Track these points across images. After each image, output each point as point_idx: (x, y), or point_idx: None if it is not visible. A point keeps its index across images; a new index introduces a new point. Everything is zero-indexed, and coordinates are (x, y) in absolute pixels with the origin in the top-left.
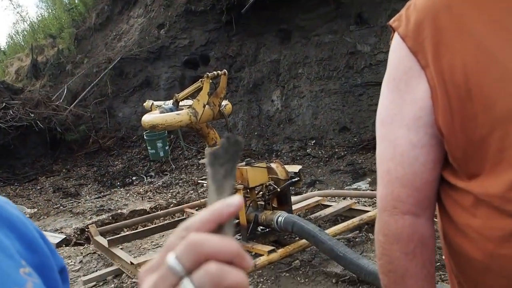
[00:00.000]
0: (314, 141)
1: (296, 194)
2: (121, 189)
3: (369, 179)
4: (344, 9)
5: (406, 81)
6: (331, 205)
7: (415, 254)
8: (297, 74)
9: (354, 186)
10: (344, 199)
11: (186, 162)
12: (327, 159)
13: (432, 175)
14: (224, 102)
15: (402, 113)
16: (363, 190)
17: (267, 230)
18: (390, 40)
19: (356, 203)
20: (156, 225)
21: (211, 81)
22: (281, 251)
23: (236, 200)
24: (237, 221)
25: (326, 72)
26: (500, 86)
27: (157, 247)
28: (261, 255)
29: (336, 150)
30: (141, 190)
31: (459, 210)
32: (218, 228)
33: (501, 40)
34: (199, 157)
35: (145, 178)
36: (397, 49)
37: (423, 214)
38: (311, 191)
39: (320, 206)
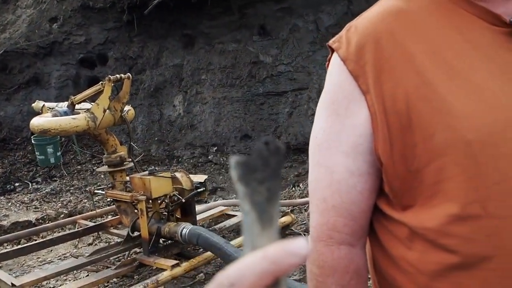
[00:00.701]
0: (216, 148)
1: (197, 201)
2: (1, 197)
3: None
4: (248, 19)
5: (346, 105)
6: (235, 215)
7: (350, 287)
8: (200, 80)
9: None
10: None
11: (79, 167)
12: (228, 166)
13: (368, 204)
14: (127, 108)
15: (341, 138)
16: None
17: (170, 242)
18: (327, 61)
19: None
20: (44, 239)
21: (113, 84)
22: (185, 265)
23: (302, 245)
24: (138, 233)
25: (229, 79)
26: (439, 118)
27: (44, 263)
28: (164, 270)
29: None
30: (25, 198)
31: (393, 241)
32: (274, 283)
33: (441, 72)
34: (93, 161)
35: (30, 184)
36: (337, 72)
37: (358, 244)
38: (213, 199)
39: (224, 216)
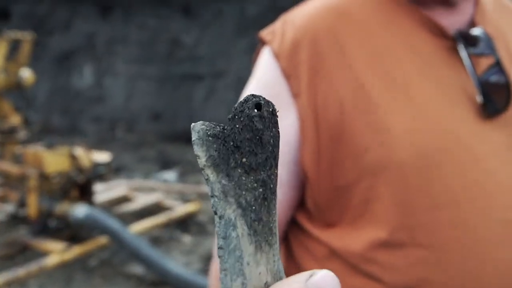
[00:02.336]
0: (124, 125)
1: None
2: None
3: (177, 170)
4: None
5: (278, 104)
6: (138, 199)
7: None
8: (114, 52)
9: (162, 175)
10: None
11: None
12: (136, 145)
13: (286, 216)
14: (26, 72)
15: None
16: (171, 181)
17: (62, 224)
18: (256, 52)
19: (164, 198)
20: None
21: (10, 43)
22: (76, 249)
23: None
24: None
25: (146, 55)
26: (373, 134)
27: None
28: (53, 253)
29: (147, 136)
30: None
31: (308, 258)
32: None
33: (380, 83)
34: None
35: None
36: (267, 68)
37: None
38: (116, 180)
39: (126, 198)
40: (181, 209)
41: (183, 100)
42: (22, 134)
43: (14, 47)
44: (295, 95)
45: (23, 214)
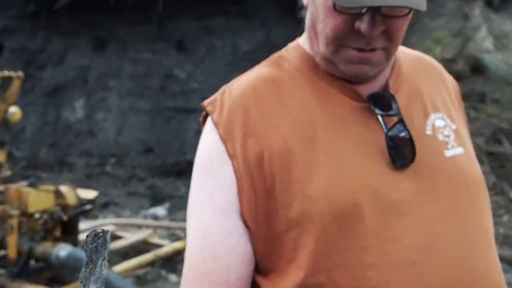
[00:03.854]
0: (115, 159)
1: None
2: None
3: (168, 205)
4: (167, 32)
5: (219, 165)
6: (124, 236)
7: None
8: (107, 86)
9: (151, 211)
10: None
11: None
12: (126, 179)
13: (247, 270)
14: (12, 109)
15: (214, 197)
16: (161, 217)
17: (43, 265)
18: (201, 121)
19: (152, 235)
20: None
21: (0, 81)
22: None
23: None
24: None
25: (139, 89)
26: (297, 188)
27: None
28: None
29: (137, 171)
30: None
31: None
32: None
33: (303, 143)
34: None
35: None
36: (210, 134)
37: None
38: (105, 215)
39: (112, 236)
40: (168, 247)
41: (175, 133)
42: (5, 171)
43: (4, 84)
44: (231, 156)
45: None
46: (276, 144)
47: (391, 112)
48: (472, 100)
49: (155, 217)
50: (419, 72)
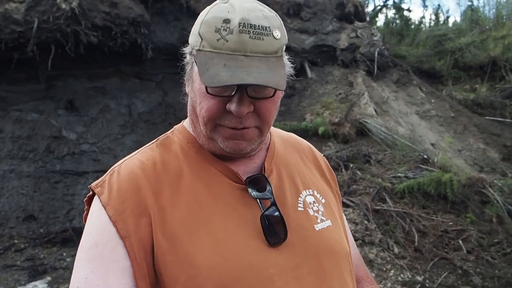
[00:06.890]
0: None
1: None
2: None
3: (49, 278)
4: (55, 91)
5: (111, 248)
6: None
7: None
8: None
9: (30, 286)
10: None
11: None
12: (2, 251)
13: None
14: None
15: (109, 283)
16: None
17: None
18: (86, 201)
19: None
20: None
21: None
22: None
23: None
24: None
25: (21, 152)
26: (181, 268)
27: None
28: None
29: (16, 241)
30: None
31: None
32: None
33: (187, 224)
34: None
35: None
36: (99, 215)
37: None
38: None
39: None
40: None
41: (61, 198)
42: None
43: None
44: (124, 237)
45: None
46: (162, 224)
47: (266, 195)
48: (359, 161)
49: None
50: (291, 152)
